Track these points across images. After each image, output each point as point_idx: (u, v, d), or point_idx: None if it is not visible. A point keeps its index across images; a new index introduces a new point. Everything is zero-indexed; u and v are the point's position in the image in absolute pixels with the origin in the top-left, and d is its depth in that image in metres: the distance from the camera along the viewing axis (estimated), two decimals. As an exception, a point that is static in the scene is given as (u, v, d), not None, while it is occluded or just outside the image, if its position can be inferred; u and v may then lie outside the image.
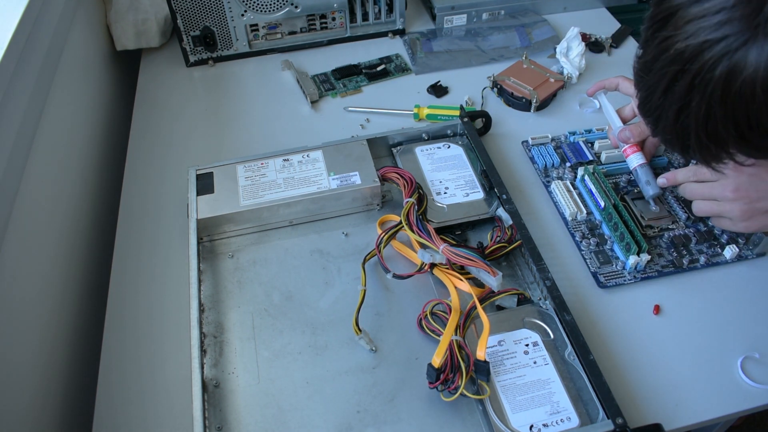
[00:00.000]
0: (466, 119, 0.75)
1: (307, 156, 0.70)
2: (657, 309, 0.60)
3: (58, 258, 0.66)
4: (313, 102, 0.85)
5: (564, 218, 0.68)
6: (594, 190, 0.68)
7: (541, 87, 0.83)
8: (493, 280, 0.57)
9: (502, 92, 0.85)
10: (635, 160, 0.68)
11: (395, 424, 0.52)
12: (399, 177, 0.67)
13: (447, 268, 0.61)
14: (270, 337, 0.58)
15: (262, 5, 0.88)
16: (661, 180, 0.67)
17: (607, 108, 0.73)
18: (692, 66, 0.40)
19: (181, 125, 0.83)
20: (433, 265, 0.61)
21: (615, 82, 0.72)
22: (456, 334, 0.54)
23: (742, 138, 0.42)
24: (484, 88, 0.86)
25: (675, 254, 0.64)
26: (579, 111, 0.83)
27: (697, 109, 0.41)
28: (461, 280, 0.60)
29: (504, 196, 0.66)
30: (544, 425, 0.50)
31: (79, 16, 0.84)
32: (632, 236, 0.62)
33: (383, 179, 0.68)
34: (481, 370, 0.52)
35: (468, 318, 0.57)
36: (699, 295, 0.62)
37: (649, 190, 0.67)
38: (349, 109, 0.84)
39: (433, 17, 0.98)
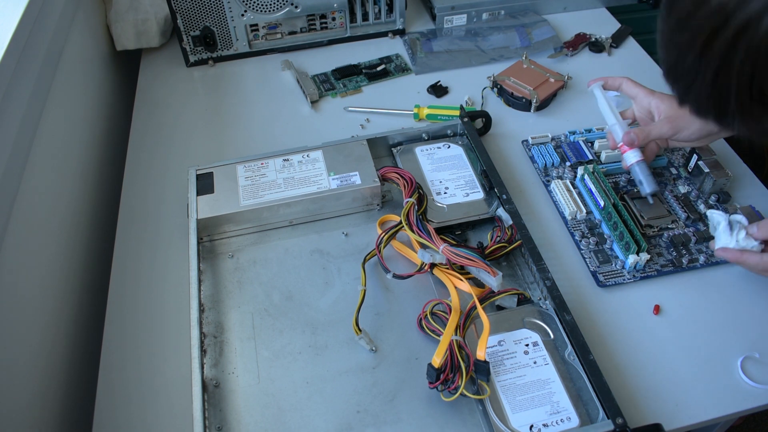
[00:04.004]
0: (466, 119, 0.75)
1: (307, 156, 0.70)
2: (657, 309, 0.60)
3: (58, 258, 0.66)
4: (313, 102, 0.85)
5: (564, 218, 0.68)
6: (594, 189, 0.68)
7: (541, 87, 0.83)
8: (493, 280, 0.57)
9: (502, 92, 0.85)
10: (632, 157, 0.67)
11: (395, 424, 0.52)
12: (399, 177, 0.67)
13: (447, 268, 0.61)
14: (270, 337, 0.58)
15: (262, 5, 0.88)
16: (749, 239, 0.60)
17: (602, 102, 0.70)
18: (736, 18, 0.36)
19: (181, 125, 0.83)
20: (433, 265, 0.61)
21: (618, 81, 0.70)
22: (456, 334, 0.54)
23: None
24: (484, 88, 0.86)
25: (674, 253, 0.64)
26: (579, 111, 0.83)
27: (741, 67, 0.37)
28: (461, 280, 0.60)
29: (504, 196, 0.66)
30: (544, 425, 0.50)
31: (79, 16, 0.84)
32: (631, 235, 0.62)
33: (383, 179, 0.68)
34: (481, 370, 0.52)
35: (468, 318, 0.57)
36: (699, 295, 0.62)
37: (646, 188, 0.66)
38: (349, 109, 0.84)
39: (433, 17, 0.98)
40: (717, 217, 0.61)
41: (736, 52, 0.37)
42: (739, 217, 0.61)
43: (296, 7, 0.89)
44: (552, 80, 0.84)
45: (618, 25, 0.98)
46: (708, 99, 0.42)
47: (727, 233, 0.60)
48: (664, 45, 0.43)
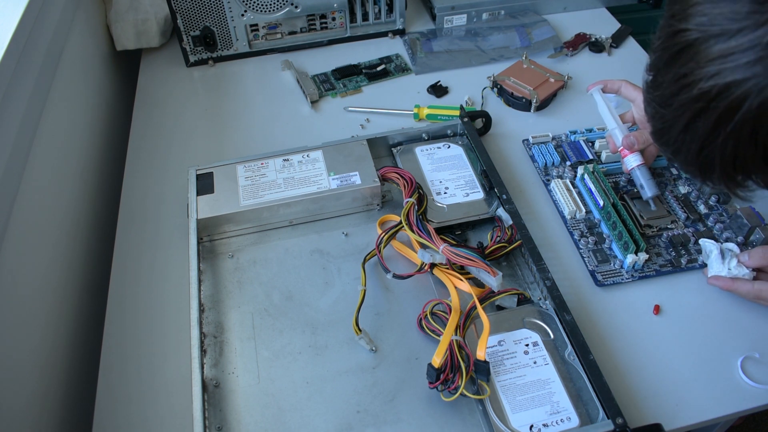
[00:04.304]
0: (466, 119, 0.75)
1: (307, 156, 0.70)
2: (657, 309, 0.60)
3: (58, 258, 0.66)
4: (313, 102, 0.85)
5: (563, 217, 0.68)
6: (593, 189, 0.68)
7: (541, 87, 0.83)
8: (493, 280, 0.57)
9: (502, 92, 0.85)
10: (633, 161, 0.67)
11: (395, 424, 0.52)
12: (399, 177, 0.67)
13: (447, 268, 0.61)
14: (270, 337, 0.58)
15: (262, 5, 0.88)
16: (719, 282, 0.61)
17: (602, 106, 0.71)
18: (718, 104, 0.38)
19: (181, 125, 0.83)
20: (433, 265, 0.61)
21: (618, 84, 0.70)
22: (456, 334, 0.54)
23: None
24: (484, 88, 0.86)
25: (673, 254, 0.64)
26: (579, 111, 0.83)
27: (723, 145, 0.39)
28: (461, 280, 0.60)
29: (504, 196, 0.66)
30: (544, 425, 0.50)
31: (79, 16, 0.84)
32: (630, 235, 0.62)
33: (383, 179, 0.68)
34: (481, 370, 0.52)
35: (468, 318, 0.57)
36: (698, 295, 0.62)
37: (647, 192, 0.66)
38: (349, 109, 0.84)
39: (433, 17, 0.98)
40: (709, 246, 0.62)
41: (718, 133, 0.39)
42: (731, 246, 0.61)
43: (296, 7, 0.89)
44: (552, 80, 0.84)
45: (618, 25, 0.98)
46: (693, 166, 0.44)
47: (719, 261, 0.61)
48: (649, 113, 0.45)
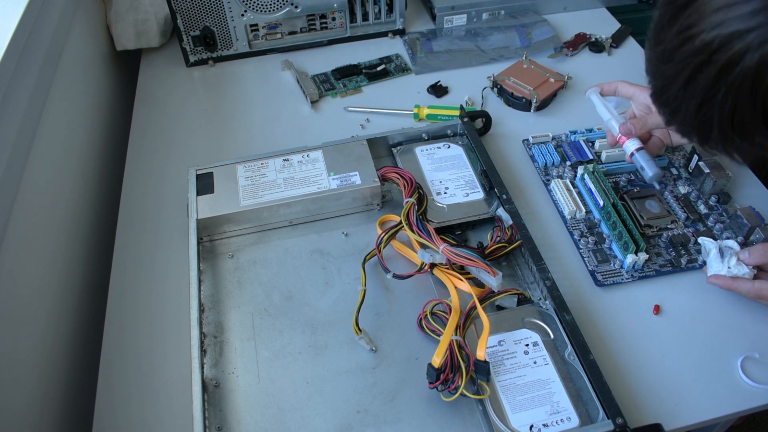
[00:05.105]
0: (466, 119, 0.75)
1: (307, 156, 0.70)
2: (657, 309, 0.60)
3: (58, 258, 0.66)
4: (313, 102, 0.85)
5: (563, 217, 0.68)
6: (593, 189, 0.68)
7: (541, 87, 0.83)
8: (493, 280, 0.57)
9: (502, 92, 0.85)
10: (632, 146, 0.67)
11: (395, 424, 0.52)
12: (399, 177, 0.67)
13: (447, 268, 0.61)
14: (270, 337, 0.58)
15: (262, 5, 0.88)
16: (719, 280, 0.60)
17: (599, 104, 0.71)
18: (719, 57, 0.38)
19: (181, 125, 0.83)
20: (433, 265, 0.61)
21: (614, 85, 0.71)
22: (456, 334, 0.54)
23: None
24: (484, 88, 0.86)
25: (673, 254, 0.64)
26: (579, 111, 0.83)
27: (723, 101, 0.40)
28: (461, 280, 0.60)
29: (504, 196, 0.66)
30: (544, 425, 0.50)
31: (79, 16, 0.84)
32: (630, 235, 0.62)
33: (383, 179, 0.68)
34: (481, 370, 0.52)
35: (468, 318, 0.57)
36: (698, 295, 0.62)
37: (649, 172, 0.65)
38: (349, 109, 0.84)
39: (433, 17, 0.98)
40: (708, 245, 0.61)
41: (718, 88, 0.39)
42: (731, 243, 0.61)
43: (296, 7, 0.89)
44: (552, 80, 0.84)
45: (618, 25, 0.98)
46: (692, 126, 0.44)
47: (718, 260, 0.60)
48: (651, 71, 0.46)
